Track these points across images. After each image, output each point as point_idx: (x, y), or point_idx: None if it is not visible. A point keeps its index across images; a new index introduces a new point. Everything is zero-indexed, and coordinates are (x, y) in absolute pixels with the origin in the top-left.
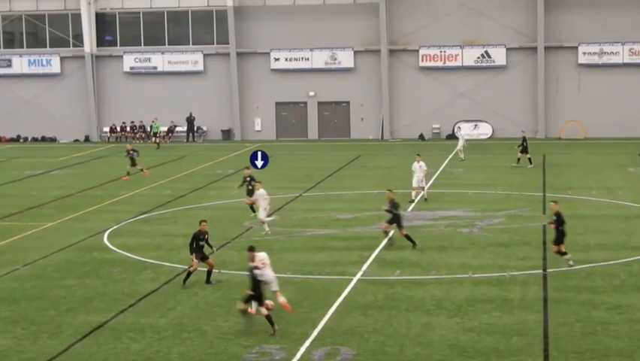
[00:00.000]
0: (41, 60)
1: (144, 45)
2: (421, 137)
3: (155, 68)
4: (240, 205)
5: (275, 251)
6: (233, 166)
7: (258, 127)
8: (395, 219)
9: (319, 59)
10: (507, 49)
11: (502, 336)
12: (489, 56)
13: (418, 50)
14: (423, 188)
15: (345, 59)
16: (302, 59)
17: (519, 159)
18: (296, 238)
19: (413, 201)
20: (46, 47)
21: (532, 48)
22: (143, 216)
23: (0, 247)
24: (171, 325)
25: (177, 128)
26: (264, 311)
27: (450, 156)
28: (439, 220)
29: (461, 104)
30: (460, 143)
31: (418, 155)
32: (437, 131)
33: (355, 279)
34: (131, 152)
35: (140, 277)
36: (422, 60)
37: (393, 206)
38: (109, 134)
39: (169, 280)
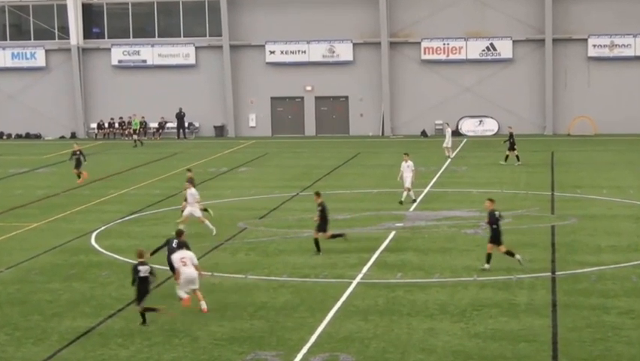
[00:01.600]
0: (25, 53)
1: (133, 37)
2: (424, 133)
3: (144, 61)
4: (234, 205)
5: (270, 253)
6: (227, 164)
7: (252, 123)
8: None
9: (317, 52)
10: (513, 41)
11: (508, 342)
12: (494, 49)
13: (420, 43)
14: (409, 189)
15: (344, 51)
16: (298, 51)
17: (507, 157)
18: (292, 240)
19: (402, 202)
20: (30, 40)
21: (540, 40)
22: (132, 216)
23: None
24: (162, 330)
25: (168, 125)
26: (139, 309)
27: (454, 154)
28: (443, 221)
29: (465, 99)
30: (447, 139)
31: (406, 154)
32: (440, 127)
33: (355, 282)
34: (77, 153)
35: (129, 280)
36: (424, 53)
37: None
38: (96, 131)
39: (160, 283)
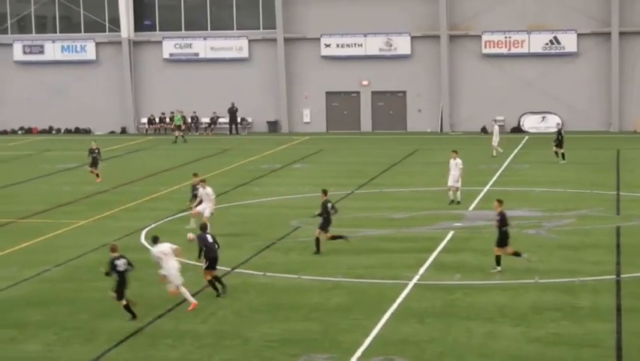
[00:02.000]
0: (75, 46)
1: (185, 30)
2: (484, 130)
3: (196, 54)
4: (287, 203)
5: (324, 253)
6: (280, 160)
7: (306, 118)
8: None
9: (373, 45)
10: (578, 34)
11: (570, 347)
12: (558, 43)
13: (480, 36)
14: (458, 188)
15: (402, 45)
16: (354, 45)
17: (557, 153)
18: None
19: (453, 201)
20: (80, 32)
21: (606, 34)
22: (182, 214)
23: (30, 247)
24: (212, 331)
25: (220, 120)
26: (123, 302)
27: (515, 151)
28: None
29: (527, 94)
30: (495, 139)
31: (454, 151)
32: (501, 123)
33: (411, 284)
34: (95, 151)
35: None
36: (485, 47)
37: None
38: (147, 126)
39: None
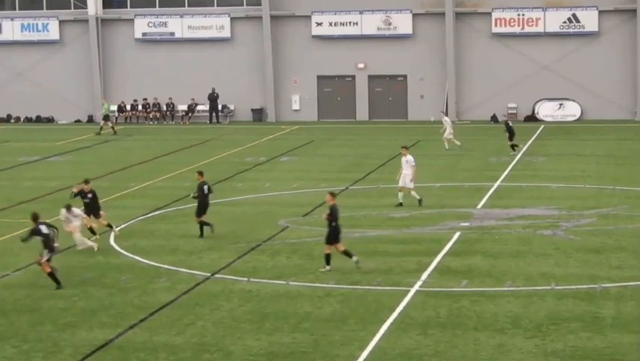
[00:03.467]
0: (36, 24)
1: (159, 7)
2: (494, 118)
3: (172, 34)
4: (274, 201)
5: (315, 256)
6: (266, 153)
7: (295, 106)
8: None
9: (370, 24)
10: (599, 11)
11: None
12: (577, 21)
13: (490, 13)
14: (410, 189)
15: (402, 23)
16: (349, 23)
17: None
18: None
19: (402, 204)
20: (42, 9)
21: (631, 11)
22: (157, 212)
23: None
24: (190, 344)
25: (199, 107)
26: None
27: (529, 142)
28: (515, 220)
29: (543, 79)
30: (448, 130)
31: (405, 147)
32: (513, 111)
33: (413, 290)
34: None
35: (153, 285)
36: (495, 25)
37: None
38: (117, 114)
39: (188, 289)
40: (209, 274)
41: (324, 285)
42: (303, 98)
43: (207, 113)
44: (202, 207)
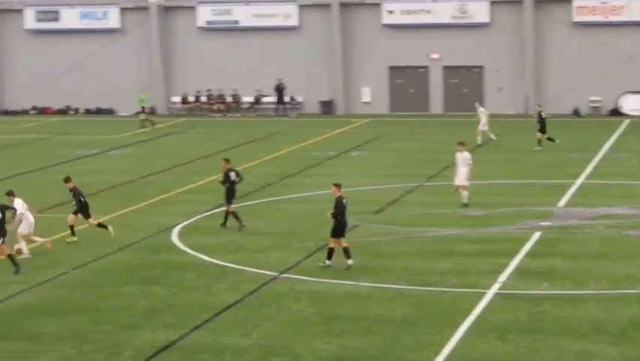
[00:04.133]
0: (96, 13)
1: None
2: (576, 112)
3: (236, 22)
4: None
5: (386, 256)
6: (335, 147)
7: (366, 98)
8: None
9: (444, 12)
10: None
11: None
12: None
13: (571, 1)
14: (464, 187)
15: (478, 11)
16: (422, 11)
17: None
18: (414, 240)
19: (467, 205)
20: None
21: None
22: (221, 208)
23: (37, 247)
24: (256, 346)
25: (265, 99)
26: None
27: (614, 137)
28: (599, 220)
29: (629, 70)
30: (483, 122)
31: (461, 143)
32: (597, 105)
33: (490, 293)
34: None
35: (218, 285)
36: (577, 14)
37: None
38: (180, 106)
39: (254, 289)
40: (275, 274)
41: (396, 286)
42: (375, 90)
43: (274, 105)
44: (230, 195)
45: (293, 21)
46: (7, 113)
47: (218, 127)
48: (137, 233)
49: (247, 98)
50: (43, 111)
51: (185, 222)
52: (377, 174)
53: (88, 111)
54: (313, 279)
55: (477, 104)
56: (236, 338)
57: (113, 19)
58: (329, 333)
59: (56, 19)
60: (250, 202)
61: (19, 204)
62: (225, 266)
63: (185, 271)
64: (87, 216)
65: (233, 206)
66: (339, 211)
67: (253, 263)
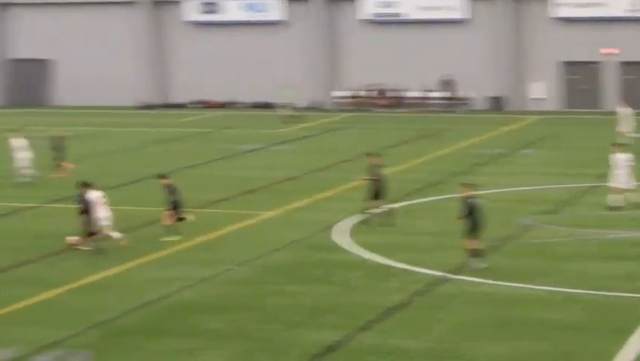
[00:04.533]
0: (258, 5)
1: None
2: None
3: (399, 15)
4: (514, 197)
5: (561, 258)
6: (505, 145)
7: (538, 94)
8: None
9: (619, 5)
10: None
11: None
12: None
13: None
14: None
15: None
16: (595, 4)
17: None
18: (591, 242)
19: (619, 207)
20: None
21: None
22: (387, 206)
23: (208, 242)
24: (425, 349)
25: (431, 94)
26: None
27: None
28: None
29: None
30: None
31: (617, 144)
32: None
33: None
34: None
35: (386, 285)
36: None
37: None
38: (345, 100)
39: (421, 290)
40: (442, 274)
41: (570, 290)
42: (548, 86)
43: (440, 101)
44: (380, 192)
45: (461, 13)
46: (169, 106)
47: (382, 123)
48: (299, 230)
49: (412, 94)
50: (205, 105)
51: (350, 220)
52: (551, 173)
53: (251, 105)
54: (482, 280)
55: (619, 104)
56: (404, 339)
57: (275, 11)
58: (501, 337)
59: (218, 12)
60: (417, 200)
61: (94, 196)
62: (391, 266)
63: (350, 269)
64: (178, 212)
65: (383, 203)
66: (464, 212)
67: (419, 263)
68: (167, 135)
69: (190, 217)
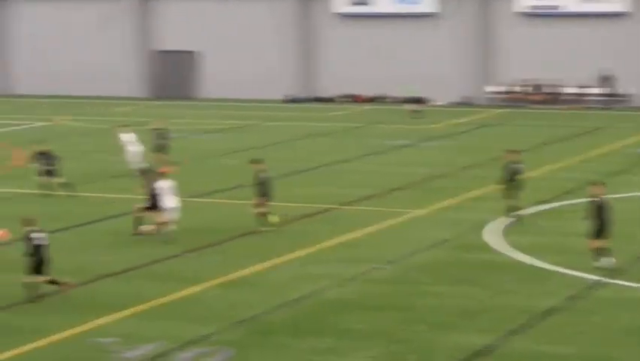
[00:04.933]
0: None
1: None
2: None
3: (557, 7)
4: None
5: None
6: None
7: None
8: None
9: None
10: None
11: None
12: None
13: None
14: None
15: None
16: None
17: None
18: None
19: None
20: None
21: None
22: (541, 206)
23: (352, 239)
24: (579, 356)
25: (590, 90)
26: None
27: None
28: None
29: None
30: None
31: None
32: None
33: None
34: (160, 133)
35: (539, 288)
36: None
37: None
38: (498, 96)
39: (576, 294)
40: (599, 278)
41: None
42: None
43: (598, 97)
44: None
45: (620, 7)
46: (318, 100)
47: (537, 119)
48: (449, 229)
49: (569, 90)
50: (353, 99)
51: (501, 221)
52: None
53: (400, 100)
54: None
55: None
56: (558, 345)
57: (427, 3)
58: None
59: (368, 3)
60: (571, 201)
61: (165, 184)
62: (544, 268)
63: (501, 271)
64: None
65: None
66: (592, 213)
67: (573, 266)
68: (315, 130)
69: (274, 219)
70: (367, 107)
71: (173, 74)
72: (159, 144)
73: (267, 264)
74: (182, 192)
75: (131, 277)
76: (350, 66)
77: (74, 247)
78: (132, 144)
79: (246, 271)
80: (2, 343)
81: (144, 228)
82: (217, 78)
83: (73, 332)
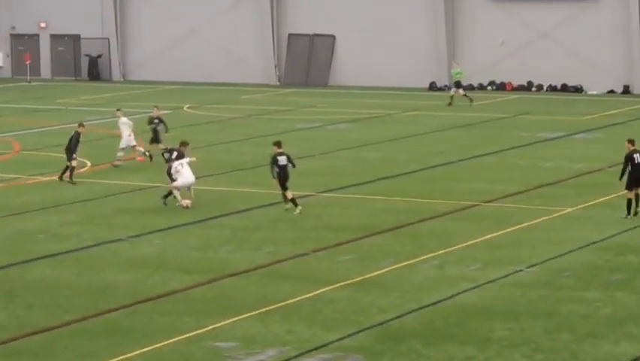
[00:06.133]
0: None
1: None
2: None
3: None
4: None
5: None
6: None
7: None
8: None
9: None
10: None
11: None
12: None
13: None
14: None
15: None
16: None
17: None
18: None
19: None
20: None
21: None
22: None
23: (497, 239)
24: None
25: None
26: None
27: None
28: None
29: None
30: None
31: None
32: None
33: None
34: (155, 121)
35: None
36: None
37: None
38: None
39: None
40: None
41: None
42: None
43: None
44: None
45: None
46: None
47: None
48: (602, 229)
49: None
50: (501, 87)
51: None
52: None
53: (552, 88)
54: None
55: None
56: None
57: None
58: None
59: None
60: None
61: (184, 160)
62: None
63: None
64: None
65: None
66: (625, 168)
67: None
68: (459, 120)
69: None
70: (515, 95)
71: (308, 60)
72: (154, 132)
73: (403, 264)
74: (315, 186)
75: (254, 276)
76: (497, 52)
77: (197, 244)
78: (126, 127)
79: (379, 272)
80: (114, 344)
81: (184, 202)
82: (352, 64)
83: (189, 335)
